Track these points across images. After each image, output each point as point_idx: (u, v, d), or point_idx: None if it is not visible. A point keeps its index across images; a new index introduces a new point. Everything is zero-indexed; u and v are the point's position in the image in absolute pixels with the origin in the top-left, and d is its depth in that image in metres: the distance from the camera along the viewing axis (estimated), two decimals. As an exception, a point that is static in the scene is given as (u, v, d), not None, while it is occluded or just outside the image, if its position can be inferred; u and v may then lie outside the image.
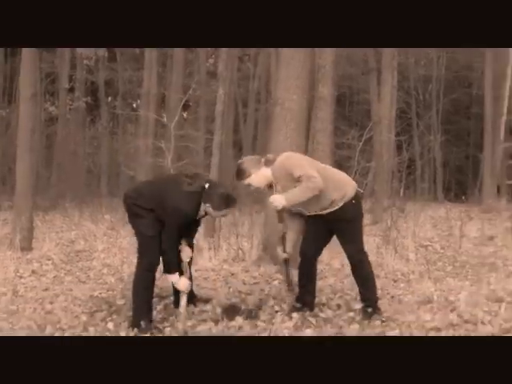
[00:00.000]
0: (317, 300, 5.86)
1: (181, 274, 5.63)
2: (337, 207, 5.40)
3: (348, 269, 7.38)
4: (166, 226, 5.46)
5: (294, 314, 5.54)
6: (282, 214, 5.60)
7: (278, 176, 5.43)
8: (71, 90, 22.18)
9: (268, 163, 5.48)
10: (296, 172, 5.27)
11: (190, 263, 5.85)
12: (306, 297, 5.79)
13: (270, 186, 5.56)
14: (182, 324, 5.42)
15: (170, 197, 5.41)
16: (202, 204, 5.38)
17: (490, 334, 4.94)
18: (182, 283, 5.63)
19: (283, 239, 5.71)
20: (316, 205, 5.44)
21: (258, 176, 5.47)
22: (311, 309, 5.75)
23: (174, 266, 5.55)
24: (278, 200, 5.27)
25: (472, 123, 27.66)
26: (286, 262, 5.77)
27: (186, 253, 5.80)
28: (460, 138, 28.75)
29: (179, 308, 5.70)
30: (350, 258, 5.62)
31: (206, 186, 5.41)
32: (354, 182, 5.61)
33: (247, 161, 5.59)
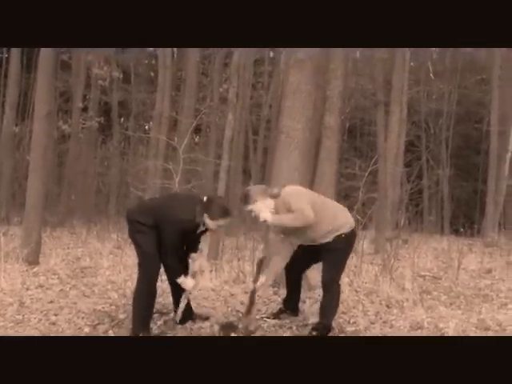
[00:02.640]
0: (311, 321, 6.10)
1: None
2: (328, 240, 5.71)
3: (344, 294, 7.65)
4: (165, 236, 5.70)
5: (286, 334, 5.84)
6: (266, 235, 6.00)
7: (279, 209, 5.77)
8: (85, 109, 22.43)
9: (272, 196, 5.82)
10: (293, 205, 5.66)
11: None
12: (289, 303, 6.44)
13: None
14: (178, 316, 5.97)
15: (169, 208, 5.70)
16: (201, 216, 5.63)
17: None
18: (187, 283, 5.92)
19: (259, 265, 6.10)
20: (309, 236, 5.82)
21: (262, 205, 5.78)
22: (294, 314, 6.41)
23: (178, 273, 5.86)
24: (265, 215, 5.70)
25: (482, 158, 27.76)
26: (253, 292, 6.15)
27: (198, 261, 6.12)
28: (469, 172, 28.81)
29: (180, 303, 6.04)
30: (322, 283, 5.92)
31: (204, 198, 5.71)
32: (350, 220, 5.96)
33: (254, 189, 6.00)
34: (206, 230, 5.88)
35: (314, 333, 5.72)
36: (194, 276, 6.00)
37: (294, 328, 6.10)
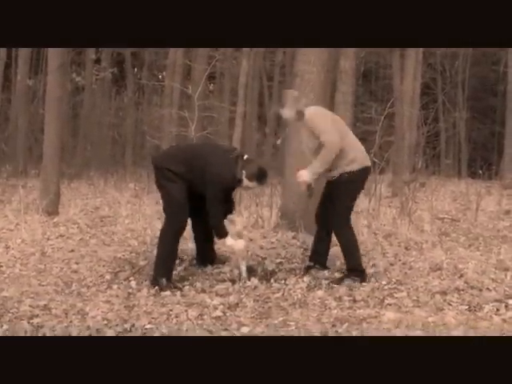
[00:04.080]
0: (331, 264, 6.14)
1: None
2: (334, 174, 5.66)
3: (363, 237, 7.66)
4: (209, 192, 5.68)
5: (306, 277, 5.83)
6: (310, 187, 5.87)
7: (305, 128, 5.78)
8: (97, 60, 22.31)
9: (298, 116, 5.80)
10: (320, 136, 5.57)
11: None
12: (317, 256, 6.14)
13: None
14: (244, 277, 5.90)
15: (212, 164, 5.65)
16: (240, 172, 5.64)
17: (493, 300, 5.16)
18: (238, 245, 5.93)
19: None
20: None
21: (291, 112, 5.81)
22: (323, 267, 6.07)
23: (224, 230, 5.84)
24: (304, 175, 5.63)
25: (499, 100, 27.44)
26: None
27: (239, 222, 6.12)
28: (486, 114, 28.55)
29: (241, 270, 6.00)
30: (331, 225, 5.89)
31: (245, 156, 5.71)
32: (360, 159, 5.79)
33: (289, 95, 5.98)
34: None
35: (346, 281, 5.69)
36: (240, 236, 6.02)
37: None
